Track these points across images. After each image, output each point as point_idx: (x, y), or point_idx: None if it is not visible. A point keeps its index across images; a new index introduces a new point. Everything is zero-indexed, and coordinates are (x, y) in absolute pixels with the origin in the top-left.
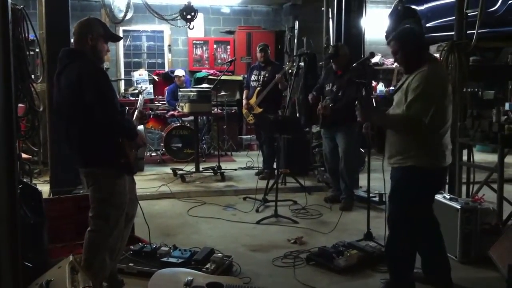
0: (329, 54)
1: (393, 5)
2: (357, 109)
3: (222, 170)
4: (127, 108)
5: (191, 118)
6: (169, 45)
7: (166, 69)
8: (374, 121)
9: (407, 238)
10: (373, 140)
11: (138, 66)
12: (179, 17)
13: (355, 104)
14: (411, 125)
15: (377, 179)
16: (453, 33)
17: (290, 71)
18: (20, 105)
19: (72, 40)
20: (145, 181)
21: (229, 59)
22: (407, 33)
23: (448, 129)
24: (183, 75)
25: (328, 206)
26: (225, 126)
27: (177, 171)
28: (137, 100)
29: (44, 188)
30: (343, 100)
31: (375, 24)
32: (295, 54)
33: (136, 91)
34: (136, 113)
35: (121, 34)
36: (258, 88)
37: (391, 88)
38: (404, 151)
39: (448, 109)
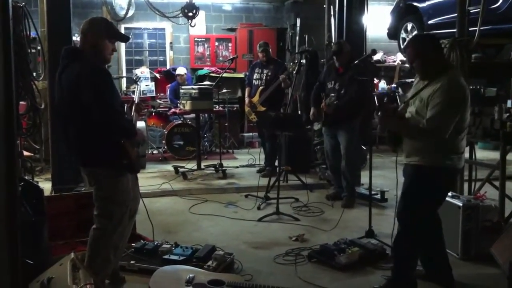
0: (333, 51)
1: (395, 2)
2: (377, 118)
3: (224, 168)
4: (126, 105)
5: (193, 115)
6: (170, 43)
7: (168, 67)
8: (394, 129)
9: (416, 236)
10: (390, 140)
11: (139, 63)
12: (180, 15)
13: (357, 102)
14: (431, 137)
15: (379, 176)
16: (455, 30)
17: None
18: (21, 102)
19: (75, 39)
20: (147, 179)
21: (231, 57)
22: (424, 39)
23: (465, 133)
24: (185, 73)
25: (329, 204)
26: (226, 124)
27: (178, 168)
28: (136, 93)
29: (46, 186)
30: (345, 97)
31: (377, 21)
32: (296, 51)
33: (134, 78)
34: (134, 105)
35: (122, 32)
36: (261, 87)
37: (393, 85)
38: (422, 151)
39: (466, 116)
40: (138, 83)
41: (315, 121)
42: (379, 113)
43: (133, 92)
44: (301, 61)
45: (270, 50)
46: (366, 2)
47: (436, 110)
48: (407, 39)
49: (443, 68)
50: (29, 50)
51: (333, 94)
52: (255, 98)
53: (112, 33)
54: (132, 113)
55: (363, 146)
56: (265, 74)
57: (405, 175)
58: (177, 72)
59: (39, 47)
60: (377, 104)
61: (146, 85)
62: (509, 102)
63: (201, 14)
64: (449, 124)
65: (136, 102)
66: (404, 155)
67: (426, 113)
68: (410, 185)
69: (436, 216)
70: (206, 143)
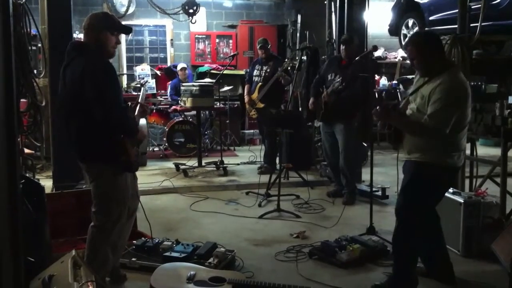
0: (343, 39)
1: None
2: (374, 112)
3: (225, 165)
4: (129, 103)
5: (194, 112)
6: (171, 40)
7: (169, 64)
8: (393, 123)
9: (415, 232)
10: (390, 137)
11: (140, 60)
12: (181, 12)
13: (358, 99)
14: (432, 134)
15: (380, 173)
16: (456, 26)
17: (291, 66)
18: (22, 100)
19: (75, 36)
20: (148, 176)
21: (232, 54)
22: (424, 37)
23: (466, 131)
24: (185, 67)
25: (330, 201)
26: (227, 121)
27: (179, 166)
28: (139, 94)
29: (47, 183)
30: (348, 91)
31: (378, 18)
32: (297, 48)
33: (138, 85)
34: (137, 107)
35: None
36: (260, 84)
37: (394, 82)
38: (423, 148)
39: (467, 113)
40: (144, 85)
41: (314, 111)
42: (377, 108)
43: (134, 89)
44: (302, 57)
45: (269, 47)
46: None
47: (437, 106)
48: (408, 35)
49: (443, 66)
50: (29, 48)
51: (338, 79)
52: (254, 95)
53: (112, 25)
54: (136, 113)
55: (364, 143)
56: (264, 71)
57: (404, 171)
58: (179, 66)
59: (39, 45)
60: (377, 98)
61: (148, 82)
62: (510, 98)
63: (202, 11)
64: (450, 120)
65: (140, 103)
66: (405, 152)
67: (427, 109)
68: (409, 182)
69: (435, 212)
70: (207, 140)
